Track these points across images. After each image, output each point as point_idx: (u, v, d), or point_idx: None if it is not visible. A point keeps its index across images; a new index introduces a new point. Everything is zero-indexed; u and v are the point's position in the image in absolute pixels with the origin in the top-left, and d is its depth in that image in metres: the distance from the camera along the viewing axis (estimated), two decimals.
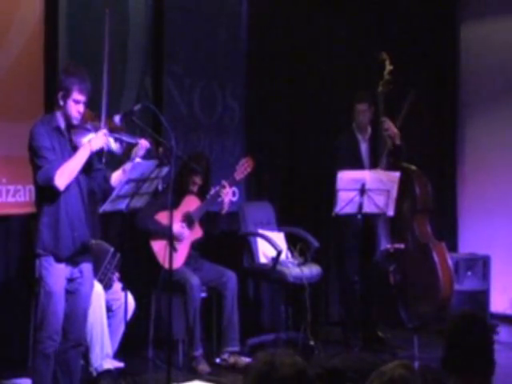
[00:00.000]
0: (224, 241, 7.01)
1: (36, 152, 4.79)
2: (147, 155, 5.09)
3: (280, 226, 7.17)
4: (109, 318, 5.86)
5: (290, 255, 6.87)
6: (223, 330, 6.38)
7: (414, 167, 6.79)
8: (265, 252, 6.76)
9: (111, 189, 4.99)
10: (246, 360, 6.26)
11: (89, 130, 4.86)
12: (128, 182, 5.03)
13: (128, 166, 5.02)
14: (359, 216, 6.47)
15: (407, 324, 6.63)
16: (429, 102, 8.21)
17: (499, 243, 7.86)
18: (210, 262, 6.55)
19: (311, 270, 6.78)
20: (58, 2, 6.31)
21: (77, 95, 4.82)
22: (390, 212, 6.45)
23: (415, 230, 6.69)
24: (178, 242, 6.23)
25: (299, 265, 6.75)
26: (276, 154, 7.72)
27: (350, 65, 7.89)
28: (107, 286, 5.85)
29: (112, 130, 4.90)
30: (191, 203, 6.39)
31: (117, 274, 5.94)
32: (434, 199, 6.79)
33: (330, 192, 6.43)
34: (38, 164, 4.78)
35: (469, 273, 7.26)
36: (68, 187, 4.83)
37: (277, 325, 6.97)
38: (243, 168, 6.42)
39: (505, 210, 7.98)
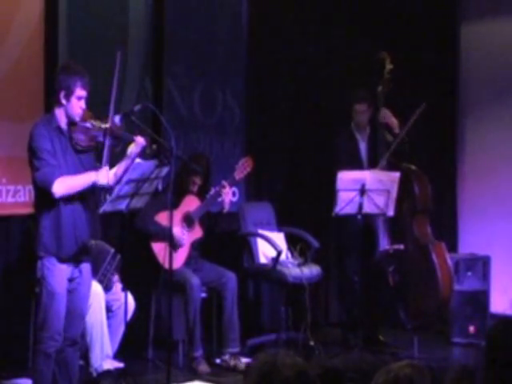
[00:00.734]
0: (224, 241, 7.01)
1: (35, 153, 4.78)
2: (143, 152, 5.07)
3: (280, 226, 7.16)
4: (109, 318, 5.86)
5: (289, 255, 6.87)
6: (223, 330, 6.38)
7: (413, 167, 6.79)
8: (265, 252, 6.76)
9: (108, 187, 4.98)
10: (246, 360, 6.26)
11: (89, 128, 4.86)
12: (128, 182, 5.03)
13: (122, 165, 5.00)
14: (359, 216, 6.47)
15: (406, 324, 6.63)
16: (429, 102, 8.20)
17: (499, 243, 7.85)
18: (209, 262, 6.55)
19: (311, 270, 6.78)
20: (58, 2, 6.31)
21: (79, 91, 4.81)
22: (390, 212, 6.44)
23: (415, 230, 6.69)
24: (178, 247, 6.22)
25: (299, 265, 6.75)
26: (276, 154, 7.72)
27: (350, 65, 7.88)
28: (107, 288, 5.85)
29: (112, 131, 4.90)
30: (191, 203, 6.39)
31: (116, 277, 5.94)
32: (433, 199, 6.78)
33: (329, 192, 6.43)
34: (37, 165, 4.77)
35: (469, 273, 7.25)
36: None
37: (277, 325, 6.96)
38: (243, 168, 6.42)
39: (505, 211, 7.97)
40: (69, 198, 4.82)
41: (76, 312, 4.97)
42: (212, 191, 6.35)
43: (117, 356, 5.90)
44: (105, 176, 4.79)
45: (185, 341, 6.30)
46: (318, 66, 7.85)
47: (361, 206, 6.39)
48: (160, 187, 6.05)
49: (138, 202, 5.28)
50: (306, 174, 7.76)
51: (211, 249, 6.70)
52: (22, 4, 6.17)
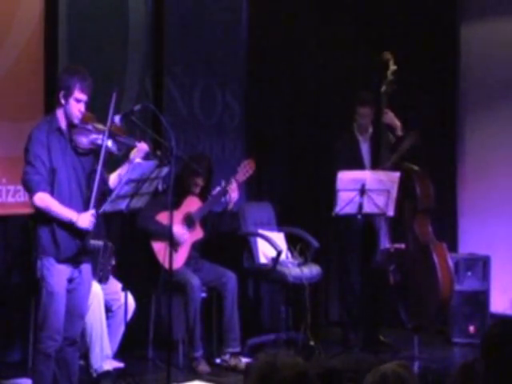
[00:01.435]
0: (224, 241, 7.01)
1: (28, 157, 4.80)
2: (146, 158, 5.10)
3: (280, 226, 7.16)
4: (109, 318, 5.86)
5: (289, 255, 6.86)
6: (223, 330, 6.38)
7: (416, 167, 6.78)
8: (265, 252, 6.76)
9: (109, 190, 4.99)
10: (246, 360, 6.26)
11: (89, 131, 4.86)
12: (128, 182, 5.03)
13: (123, 169, 5.03)
14: (359, 216, 6.47)
15: (407, 324, 6.63)
16: (429, 101, 8.20)
17: (499, 243, 7.85)
18: (210, 262, 6.55)
19: (311, 270, 6.78)
20: (58, 2, 6.31)
21: (78, 94, 4.82)
22: (390, 212, 6.44)
23: (416, 230, 6.68)
24: (178, 246, 6.23)
25: (299, 265, 6.75)
26: (276, 154, 7.72)
27: (350, 64, 7.89)
28: (105, 278, 5.82)
29: (113, 132, 4.90)
30: (192, 204, 6.38)
31: (113, 261, 5.90)
32: (435, 199, 6.77)
33: (329, 192, 6.43)
34: (27, 169, 4.79)
35: (469, 273, 7.26)
36: (68, 187, 4.83)
37: (277, 325, 6.96)
38: (245, 170, 6.41)
39: (505, 210, 7.97)
40: (68, 199, 4.82)
41: (76, 312, 4.97)
42: (216, 189, 6.34)
43: (117, 356, 5.90)
44: (86, 221, 4.78)
45: (185, 341, 6.30)
46: (318, 65, 7.85)
47: (361, 206, 6.39)
48: (161, 187, 6.05)
49: (138, 202, 5.28)
50: (306, 174, 7.76)
51: (211, 249, 6.70)
52: (22, 4, 6.17)
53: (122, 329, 5.84)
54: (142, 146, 5.05)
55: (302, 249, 6.88)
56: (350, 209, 6.39)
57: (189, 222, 6.34)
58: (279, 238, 6.91)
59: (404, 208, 6.62)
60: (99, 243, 5.62)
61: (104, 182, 5.00)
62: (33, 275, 5.00)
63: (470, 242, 8.13)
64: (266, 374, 2.47)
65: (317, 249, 6.90)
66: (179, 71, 7.14)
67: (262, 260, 6.76)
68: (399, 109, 7.17)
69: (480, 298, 7.23)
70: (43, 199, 4.77)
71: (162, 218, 6.09)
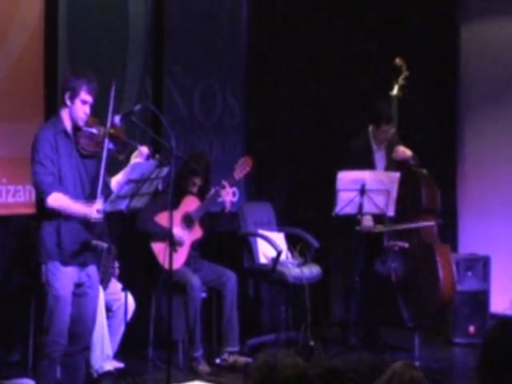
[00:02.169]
0: (224, 241, 7.01)
1: (37, 157, 4.79)
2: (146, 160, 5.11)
3: (280, 226, 7.17)
4: (109, 318, 5.86)
5: (290, 255, 6.87)
6: (223, 330, 6.38)
7: (424, 171, 6.78)
8: (265, 252, 6.76)
9: (111, 194, 5.00)
10: (245, 360, 6.26)
11: (94, 134, 4.87)
12: (128, 182, 5.03)
13: (122, 176, 5.02)
14: (359, 216, 6.46)
15: (408, 323, 6.63)
16: (429, 101, 8.21)
17: (499, 243, 7.85)
18: (209, 262, 6.55)
19: (311, 270, 6.78)
20: (58, 2, 6.31)
21: (84, 95, 4.83)
22: (390, 212, 6.44)
23: (420, 229, 6.67)
24: (178, 247, 6.23)
25: (299, 265, 6.75)
26: (276, 153, 7.71)
27: (350, 64, 7.89)
28: (105, 282, 5.83)
29: (115, 135, 4.91)
30: (191, 203, 6.39)
31: (116, 267, 5.91)
32: (440, 204, 6.77)
33: (330, 192, 6.42)
34: (37, 170, 4.78)
35: (469, 273, 7.26)
36: (73, 189, 4.84)
37: (277, 325, 6.97)
38: (242, 167, 6.41)
39: (505, 210, 7.97)
40: (71, 199, 4.83)
41: (88, 316, 4.97)
42: (212, 191, 6.35)
43: (117, 356, 5.90)
44: (94, 212, 4.80)
45: (185, 341, 6.30)
46: (318, 65, 7.85)
47: (361, 206, 6.39)
48: (160, 187, 6.05)
49: (138, 202, 5.28)
50: (306, 174, 7.76)
51: (211, 249, 6.70)
52: (22, 4, 6.17)
53: (122, 329, 5.84)
54: (144, 149, 5.06)
55: (301, 249, 6.88)
56: (350, 209, 6.39)
57: (188, 221, 6.34)
58: (279, 238, 6.91)
59: (409, 208, 6.62)
60: (103, 245, 5.62)
61: (106, 184, 5.00)
62: (33, 276, 5.00)
63: (470, 242, 8.13)
64: (266, 374, 2.47)
65: (317, 249, 6.90)
66: (179, 71, 7.14)
67: (262, 260, 6.76)
68: (399, 109, 7.17)
69: (480, 298, 7.23)
70: (58, 200, 4.76)
71: (162, 218, 6.09)
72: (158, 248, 6.16)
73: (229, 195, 6.33)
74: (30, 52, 6.20)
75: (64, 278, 4.82)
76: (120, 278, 5.95)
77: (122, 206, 5.16)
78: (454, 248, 7.94)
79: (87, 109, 4.87)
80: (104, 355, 5.70)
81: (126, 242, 5.91)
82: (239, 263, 6.85)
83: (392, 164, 6.76)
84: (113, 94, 4.96)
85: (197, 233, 6.40)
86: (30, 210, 5.68)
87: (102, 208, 4.82)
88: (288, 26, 7.70)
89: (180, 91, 7.15)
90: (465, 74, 8.33)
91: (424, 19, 8.12)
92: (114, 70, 6.68)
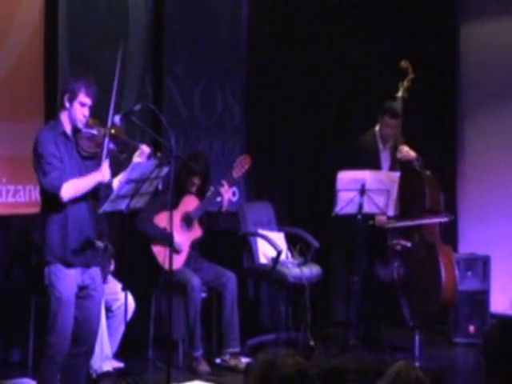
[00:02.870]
0: (224, 241, 7.01)
1: (42, 159, 4.78)
2: (148, 159, 5.11)
3: (280, 226, 7.16)
4: (109, 318, 5.86)
5: (290, 255, 6.87)
6: (223, 330, 6.38)
7: (428, 172, 6.78)
8: (265, 252, 6.76)
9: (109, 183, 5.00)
10: (246, 360, 6.26)
11: (94, 135, 4.87)
12: (128, 182, 5.03)
13: (124, 177, 5.03)
14: (359, 216, 6.47)
15: (409, 322, 6.63)
16: (429, 102, 8.21)
17: (499, 243, 7.85)
18: (209, 262, 6.55)
19: (311, 270, 6.78)
20: (58, 2, 6.31)
21: (83, 98, 4.83)
22: (390, 212, 6.44)
23: (423, 228, 6.68)
24: (177, 253, 6.22)
25: (299, 265, 6.75)
26: (276, 154, 7.72)
27: (349, 64, 7.89)
28: (103, 281, 5.82)
29: (115, 135, 4.90)
30: (190, 203, 6.38)
31: (112, 265, 5.90)
32: (443, 206, 6.77)
33: (329, 192, 6.42)
34: (45, 170, 4.76)
35: (469, 273, 7.26)
36: None
37: (277, 325, 6.96)
38: (241, 166, 6.40)
39: (505, 210, 7.97)
40: (75, 200, 4.83)
41: (93, 319, 4.96)
42: (211, 190, 6.34)
43: (117, 356, 5.90)
44: (107, 173, 4.84)
45: (185, 341, 6.30)
46: (318, 65, 7.85)
47: (361, 206, 6.39)
48: (160, 187, 6.05)
49: (138, 202, 5.28)
50: (306, 174, 7.76)
51: (211, 249, 6.70)
52: (22, 4, 6.17)
53: (121, 329, 5.84)
54: (145, 148, 5.06)
55: (301, 249, 6.88)
56: (350, 209, 6.39)
57: (187, 221, 6.34)
58: (279, 238, 6.91)
59: (412, 208, 6.62)
60: (100, 244, 5.62)
61: (107, 185, 5.00)
62: (33, 275, 5.00)
63: (470, 242, 8.13)
64: (267, 372, 2.48)
65: (317, 249, 6.90)
66: (179, 71, 7.14)
67: (262, 260, 6.76)
68: (404, 111, 7.18)
69: (480, 298, 7.23)
70: (68, 188, 4.75)
71: (161, 218, 6.09)
72: (158, 248, 6.16)
73: (228, 194, 6.33)
74: (30, 52, 6.20)
75: (67, 279, 4.82)
76: (120, 278, 5.94)
77: (122, 205, 5.16)
78: (454, 248, 7.93)
79: (86, 111, 4.86)
80: (103, 355, 5.70)
81: (125, 242, 5.91)
82: (239, 263, 6.85)
83: (396, 164, 6.76)
84: (120, 57, 4.95)
85: (196, 232, 6.40)
86: (30, 210, 5.68)
87: (108, 169, 4.83)
88: (288, 26, 7.70)
89: (180, 91, 7.15)
90: (465, 74, 8.33)
91: (424, 19, 8.12)
92: (114, 69, 6.67)
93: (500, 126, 8.09)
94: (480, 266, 7.32)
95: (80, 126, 4.86)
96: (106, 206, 4.95)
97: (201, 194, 6.40)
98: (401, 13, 8.08)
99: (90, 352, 5.05)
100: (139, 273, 6.32)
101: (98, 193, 4.99)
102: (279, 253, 6.62)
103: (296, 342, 6.63)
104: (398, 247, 6.64)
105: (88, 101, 4.84)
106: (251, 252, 6.82)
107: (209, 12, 7.31)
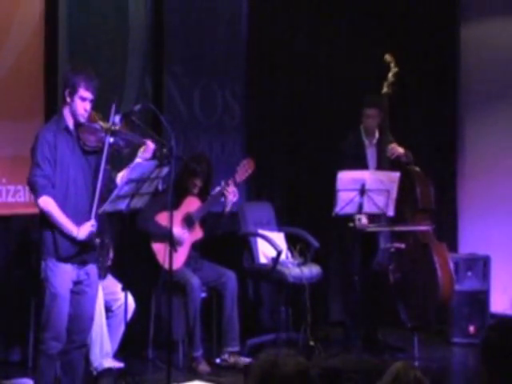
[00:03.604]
0: (224, 241, 7.01)
1: (35, 157, 4.81)
2: (153, 155, 5.11)
3: (280, 226, 7.16)
4: (109, 318, 5.86)
5: (289, 255, 6.86)
6: (223, 330, 6.38)
7: (417, 168, 6.79)
8: (265, 252, 6.76)
9: (114, 191, 5.00)
10: (245, 360, 6.26)
11: (97, 129, 4.88)
12: (128, 182, 5.03)
13: (126, 173, 5.05)
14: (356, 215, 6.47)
15: (406, 323, 6.63)
16: (429, 101, 8.21)
17: (499, 243, 7.85)
18: (209, 262, 6.55)
19: (311, 270, 6.78)
20: (58, 2, 6.31)
21: (83, 92, 4.84)
22: (390, 212, 6.44)
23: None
24: (178, 246, 6.23)
25: (299, 265, 6.75)
26: (276, 154, 7.72)
27: (350, 65, 7.89)
28: (104, 275, 5.82)
29: (119, 130, 4.91)
30: (192, 204, 6.38)
31: (110, 255, 5.90)
32: (435, 201, 6.77)
33: (329, 192, 6.42)
34: (34, 171, 4.80)
35: (469, 273, 7.25)
36: (74, 187, 4.85)
37: (277, 325, 6.96)
38: (244, 170, 6.40)
39: (505, 210, 7.97)
40: (75, 199, 4.83)
41: (86, 315, 4.98)
42: (215, 190, 6.34)
43: (117, 356, 5.90)
44: (85, 233, 4.82)
45: (185, 341, 6.31)
46: (319, 66, 7.85)
47: (361, 206, 6.39)
48: (160, 187, 6.05)
49: (138, 202, 5.28)
50: (306, 174, 7.76)
51: (211, 249, 6.70)
52: (22, 4, 6.18)
53: (121, 329, 5.84)
54: (150, 145, 5.08)
55: (301, 249, 6.87)
56: (350, 209, 6.39)
57: (188, 222, 6.34)
58: (279, 238, 6.91)
59: (404, 208, 6.62)
60: (96, 240, 5.62)
61: (111, 179, 5.01)
62: (33, 275, 5.00)
63: (470, 242, 8.13)
64: (268, 372, 2.48)
65: (317, 249, 6.90)
66: (179, 71, 7.14)
67: (262, 260, 6.76)
68: (399, 109, 7.17)
69: (480, 298, 7.23)
70: (47, 203, 4.79)
71: (162, 218, 6.09)
72: (158, 248, 6.16)
73: (232, 194, 6.32)
74: (30, 52, 6.20)
75: (62, 275, 4.83)
76: (120, 278, 5.95)
77: (122, 205, 5.16)
78: (454, 248, 7.94)
79: (87, 105, 4.87)
80: (103, 352, 5.70)
81: (125, 242, 5.91)
82: (239, 263, 6.85)
83: (384, 161, 6.74)
84: (113, 111, 4.96)
85: (197, 233, 6.40)
86: (30, 210, 5.67)
87: (93, 230, 4.82)
88: (288, 26, 7.70)
89: (180, 91, 7.15)
90: (465, 74, 8.33)
91: (424, 19, 8.12)
92: (114, 69, 6.68)
93: (500, 125, 8.09)
94: (480, 266, 7.31)
95: (81, 120, 4.87)
96: (106, 206, 4.95)
97: (202, 195, 6.40)
98: (401, 13, 8.08)
99: (83, 347, 5.05)
100: (139, 273, 6.32)
101: (104, 193, 4.98)
102: (279, 253, 6.62)
103: (296, 341, 6.64)
104: (393, 249, 6.64)
105: (88, 95, 4.85)
106: (251, 252, 6.82)
107: (209, 12, 7.31)
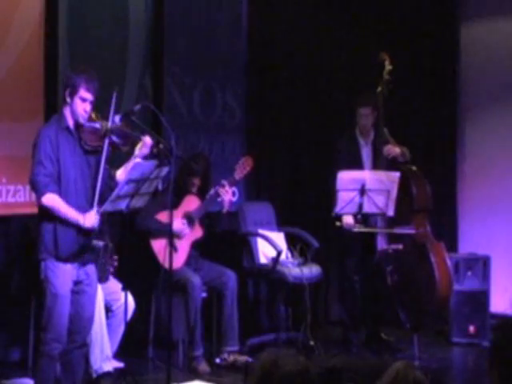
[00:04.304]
0: (224, 241, 7.01)
1: (38, 154, 4.80)
2: (151, 151, 5.10)
3: (280, 226, 7.17)
4: (109, 318, 5.85)
5: (289, 255, 6.87)
6: (223, 329, 6.38)
7: (413, 167, 6.78)
8: (265, 252, 6.76)
9: (117, 186, 5.00)
10: (245, 359, 6.26)
11: (97, 129, 4.88)
12: (128, 182, 5.03)
13: (129, 164, 5.05)
14: (358, 216, 6.47)
15: (406, 324, 6.63)
16: (429, 101, 8.21)
17: (499, 243, 7.85)
18: (209, 261, 6.55)
19: (311, 270, 6.78)
20: (58, 2, 6.31)
21: (84, 93, 4.84)
22: (390, 212, 6.43)
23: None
24: (178, 241, 6.22)
25: (299, 265, 6.75)
26: (276, 153, 7.72)
27: (350, 65, 7.89)
28: (105, 279, 5.82)
29: (118, 128, 4.91)
30: (191, 203, 6.39)
31: (115, 262, 5.90)
32: (432, 199, 6.77)
33: (329, 192, 6.43)
34: (36, 169, 4.79)
35: (469, 273, 7.25)
36: (74, 187, 4.85)
37: (277, 325, 6.97)
38: (242, 167, 6.41)
39: (505, 210, 7.97)
40: (75, 198, 4.83)
41: (85, 314, 4.98)
42: (212, 191, 6.35)
43: (117, 356, 5.90)
44: (91, 220, 4.83)
45: (185, 341, 6.31)
46: (319, 66, 7.85)
47: (361, 206, 6.39)
48: (160, 187, 6.05)
49: (138, 202, 5.28)
50: (306, 174, 7.76)
51: (211, 248, 6.70)
52: (22, 4, 6.17)
53: (121, 329, 5.84)
54: (147, 140, 5.06)
55: (302, 249, 6.88)
56: (350, 209, 6.39)
57: (188, 221, 6.34)
58: (279, 237, 6.91)
59: (401, 208, 6.61)
60: (99, 243, 5.62)
61: (111, 177, 5.02)
62: (32, 275, 5.00)
63: (470, 241, 8.13)
64: (268, 371, 2.49)
65: (317, 249, 6.91)
66: (179, 71, 7.14)
67: (262, 260, 6.77)
68: (400, 108, 7.17)
69: (480, 298, 7.22)
70: (52, 200, 4.78)
71: (162, 217, 6.09)
72: (158, 247, 6.15)
73: (228, 195, 6.33)
74: (30, 52, 6.20)
75: (62, 275, 4.83)
76: (120, 278, 5.95)
77: (122, 205, 5.16)
78: (454, 248, 7.94)
79: (87, 106, 4.87)
80: (103, 355, 5.69)
81: (125, 242, 5.91)
82: (239, 263, 6.85)
83: (380, 160, 6.74)
84: (114, 102, 4.96)
85: (197, 232, 6.40)
86: (30, 210, 5.68)
87: (97, 218, 4.82)
88: (288, 26, 7.70)
89: (180, 91, 7.15)
90: (465, 74, 8.33)
91: (424, 19, 8.12)
92: (114, 69, 6.68)
93: (500, 125, 8.09)
94: (480, 266, 7.31)
95: (81, 121, 4.87)
96: (107, 206, 4.95)
97: (202, 194, 6.41)
98: (401, 13, 8.08)
99: (83, 346, 5.05)
100: (139, 273, 6.32)
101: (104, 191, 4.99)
102: (279, 253, 6.62)
103: (296, 342, 6.64)
104: (390, 251, 6.64)
105: (89, 96, 4.85)
106: (251, 252, 6.83)
107: (209, 12, 7.31)
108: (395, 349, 6.78)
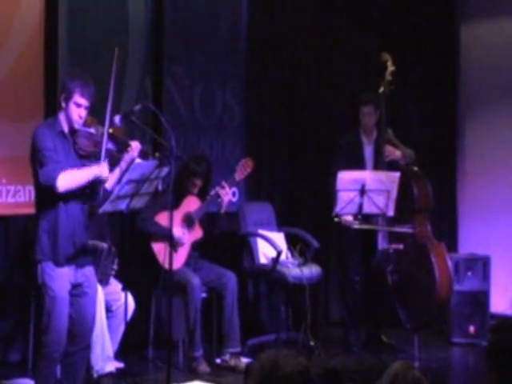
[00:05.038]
0: (224, 241, 7.00)
1: (39, 151, 4.76)
2: (142, 154, 5.07)
3: (280, 226, 7.16)
4: (109, 318, 5.85)
5: (289, 255, 6.87)
6: (223, 330, 6.38)
7: (415, 168, 6.78)
8: (265, 252, 6.76)
9: (106, 192, 4.96)
10: (246, 360, 6.26)
11: (92, 134, 4.85)
12: (128, 182, 5.02)
13: (116, 171, 5.01)
14: (359, 216, 6.46)
15: (406, 324, 6.63)
16: (429, 101, 8.21)
17: (499, 243, 7.86)
18: (209, 262, 6.55)
19: (311, 270, 6.78)
20: (58, 2, 6.31)
21: (78, 98, 4.80)
22: (390, 212, 6.43)
23: (413, 229, 6.67)
24: (178, 247, 6.23)
25: (299, 265, 6.75)
26: (276, 154, 7.72)
27: (350, 65, 7.89)
28: (105, 281, 5.83)
29: (113, 135, 4.89)
30: (191, 204, 6.39)
31: (115, 266, 5.91)
32: (433, 199, 6.76)
33: (329, 192, 6.42)
34: (43, 162, 4.73)
35: (469, 273, 7.26)
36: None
37: (277, 325, 6.97)
38: (243, 169, 6.41)
39: (505, 210, 7.98)
40: (68, 200, 4.82)
41: (87, 316, 4.97)
42: (212, 192, 6.35)
43: (117, 356, 5.89)
44: (106, 170, 4.80)
45: (185, 341, 6.31)
46: (319, 66, 7.85)
47: (361, 206, 6.38)
48: (160, 188, 6.05)
49: (138, 202, 5.28)
50: (306, 174, 7.76)
51: (211, 249, 6.70)
52: (22, 4, 6.17)
53: (121, 329, 5.84)
54: (135, 145, 4.98)
55: (301, 249, 6.88)
56: (350, 209, 6.38)
57: (188, 221, 6.34)
58: (279, 238, 6.91)
59: (402, 208, 6.61)
60: (103, 245, 5.62)
61: (103, 182, 4.98)
62: (33, 275, 5.00)
63: (470, 242, 8.14)
64: (268, 372, 2.48)
65: (317, 249, 6.91)
66: (179, 71, 7.14)
67: (262, 260, 6.77)
68: (400, 108, 7.17)
69: (480, 298, 7.23)
70: (64, 178, 4.69)
71: (162, 218, 6.10)
72: (158, 248, 6.16)
73: (228, 196, 6.33)
74: (30, 52, 6.20)
75: (60, 278, 4.82)
76: (120, 278, 5.95)
77: (122, 206, 5.16)
78: (454, 248, 7.95)
79: (82, 112, 4.82)
80: (105, 356, 5.69)
81: (125, 242, 5.91)
82: (239, 263, 6.85)
83: (381, 159, 6.73)
84: (115, 62, 4.93)
85: (197, 233, 6.40)
86: (30, 210, 5.66)
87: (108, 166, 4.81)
88: (288, 26, 7.70)
89: (180, 91, 7.15)
90: (465, 74, 8.34)
91: (424, 19, 8.13)
92: (111, 66, 6.66)
93: (500, 124, 8.10)
94: (480, 266, 7.31)
95: (76, 126, 4.83)
96: (106, 207, 4.95)
97: (202, 195, 6.41)
98: (401, 13, 8.08)
99: (86, 349, 5.05)
100: (139, 273, 6.32)
101: (96, 196, 4.95)
102: (279, 253, 6.62)
103: (296, 342, 6.64)
104: (391, 250, 6.64)
105: (83, 101, 4.81)
106: (251, 252, 6.83)
107: (209, 12, 7.31)
108: (395, 349, 6.78)
